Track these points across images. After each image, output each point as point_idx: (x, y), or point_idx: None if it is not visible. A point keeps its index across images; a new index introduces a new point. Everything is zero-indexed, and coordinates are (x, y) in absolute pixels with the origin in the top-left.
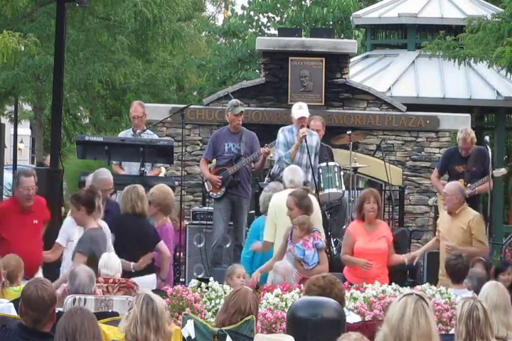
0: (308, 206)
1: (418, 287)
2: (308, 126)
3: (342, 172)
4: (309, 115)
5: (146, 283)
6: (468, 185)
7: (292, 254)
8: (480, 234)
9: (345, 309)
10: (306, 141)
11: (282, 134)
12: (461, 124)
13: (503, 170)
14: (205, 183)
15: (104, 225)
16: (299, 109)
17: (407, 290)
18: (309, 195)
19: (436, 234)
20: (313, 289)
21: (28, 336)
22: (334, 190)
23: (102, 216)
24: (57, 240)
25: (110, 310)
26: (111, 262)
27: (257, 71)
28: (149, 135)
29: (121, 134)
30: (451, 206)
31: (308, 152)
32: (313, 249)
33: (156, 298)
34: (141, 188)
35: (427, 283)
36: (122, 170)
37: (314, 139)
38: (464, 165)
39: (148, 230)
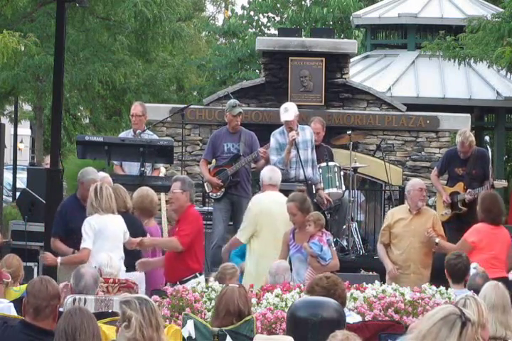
0: (309, 208)
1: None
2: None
3: (342, 172)
4: (297, 114)
5: (135, 280)
6: (468, 190)
7: (308, 252)
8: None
9: (346, 309)
10: (296, 144)
11: (274, 138)
12: (461, 124)
13: (504, 183)
14: (205, 184)
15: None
16: (285, 112)
17: (407, 290)
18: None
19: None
20: (316, 290)
21: (30, 332)
22: (334, 190)
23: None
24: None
25: (110, 310)
26: (113, 261)
27: (257, 71)
28: (149, 135)
29: (122, 135)
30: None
31: (297, 149)
32: (327, 245)
33: (144, 296)
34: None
35: (427, 283)
36: (123, 171)
37: (308, 133)
38: (463, 167)
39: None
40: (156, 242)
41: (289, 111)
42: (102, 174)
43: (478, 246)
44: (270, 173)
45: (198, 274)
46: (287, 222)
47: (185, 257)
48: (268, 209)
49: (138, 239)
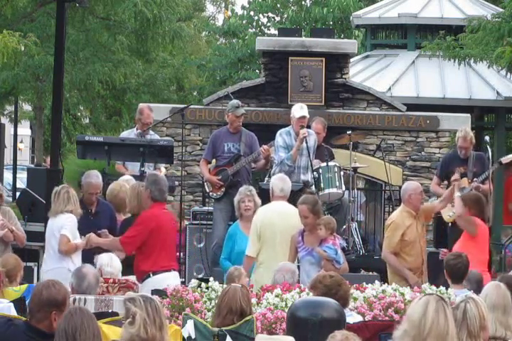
0: (320, 210)
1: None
2: (309, 127)
3: (342, 172)
4: (309, 117)
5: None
6: (475, 179)
7: (323, 256)
8: None
9: (346, 309)
10: (306, 142)
11: (281, 137)
12: (461, 124)
13: (510, 156)
14: (205, 183)
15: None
16: (301, 109)
17: (407, 290)
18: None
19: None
20: (319, 287)
21: (31, 333)
22: (334, 190)
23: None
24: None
25: (110, 310)
26: (113, 261)
27: (257, 71)
28: (151, 135)
29: (124, 134)
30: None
31: (309, 154)
32: (340, 249)
33: (149, 295)
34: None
35: (427, 283)
36: (126, 170)
37: (312, 139)
38: (464, 166)
39: None
40: (100, 241)
41: (304, 109)
42: (126, 177)
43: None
44: (281, 184)
45: (151, 274)
46: (290, 232)
47: (137, 257)
48: (270, 219)
49: (86, 236)
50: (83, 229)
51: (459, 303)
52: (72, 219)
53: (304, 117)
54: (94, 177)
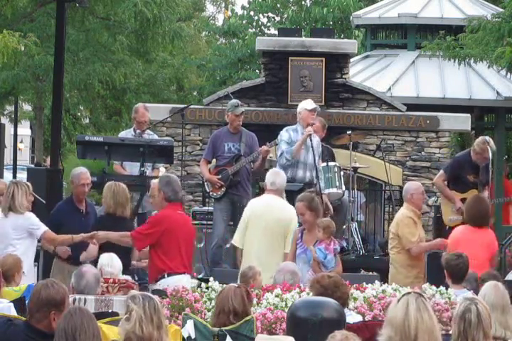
0: (317, 207)
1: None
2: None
3: (342, 172)
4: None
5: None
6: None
7: (313, 255)
8: None
9: (346, 309)
10: (311, 140)
11: (287, 133)
12: (461, 124)
13: None
14: (205, 183)
15: None
16: (310, 103)
17: (406, 290)
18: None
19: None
20: (316, 287)
21: (31, 333)
22: (334, 190)
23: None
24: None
25: (110, 310)
26: (114, 261)
27: (257, 71)
28: (150, 135)
29: (122, 134)
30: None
31: (313, 152)
32: (333, 254)
33: (151, 295)
34: None
35: (427, 283)
36: (124, 170)
37: (315, 140)
38: (474, 174)
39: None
40: (110, 235)
41: (313, 103)
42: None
43: (455, 248)
44: (272, 178)
45: (166, 275)
46: (280, 224)
47: (152, 258)
48: (259, 212)
49: (91, 233)
50: (74, 228)
51: (469, 306)
52: (32, 215)
53: (315, 110)
54: (82, 169)
